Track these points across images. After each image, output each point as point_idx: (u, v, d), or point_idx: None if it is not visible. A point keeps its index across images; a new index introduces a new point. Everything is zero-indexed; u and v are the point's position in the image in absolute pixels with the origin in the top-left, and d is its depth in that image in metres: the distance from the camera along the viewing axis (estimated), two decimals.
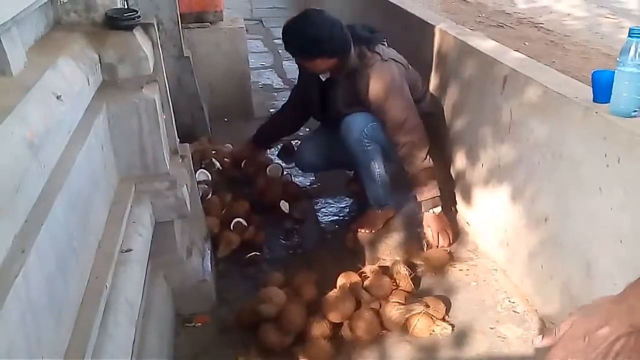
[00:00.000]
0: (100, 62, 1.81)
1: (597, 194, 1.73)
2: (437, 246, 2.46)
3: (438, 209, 2.46)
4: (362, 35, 2.53)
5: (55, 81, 1.45)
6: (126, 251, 1.67)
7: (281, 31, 2.50)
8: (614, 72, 1.68)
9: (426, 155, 2.45)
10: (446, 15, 3.56)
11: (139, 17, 1.89)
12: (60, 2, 1.84)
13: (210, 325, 2.06)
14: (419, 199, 2.48)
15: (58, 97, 1.41)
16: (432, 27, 3.01)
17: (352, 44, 2.47)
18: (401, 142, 2.45)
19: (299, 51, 2.49)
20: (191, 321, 2.08)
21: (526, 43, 3.38)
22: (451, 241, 2.49)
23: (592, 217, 1.77)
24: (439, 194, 2.46)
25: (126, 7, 2.03)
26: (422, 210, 2.48)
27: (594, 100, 1.80)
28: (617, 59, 1.65)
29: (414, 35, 3.22)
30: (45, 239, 1.16)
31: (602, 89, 1.76)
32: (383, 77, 2.44)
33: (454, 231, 2.54)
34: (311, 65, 2.49)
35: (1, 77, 1.34)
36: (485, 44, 2.58)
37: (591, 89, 1.82)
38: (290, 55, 2.57)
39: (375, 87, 2.43)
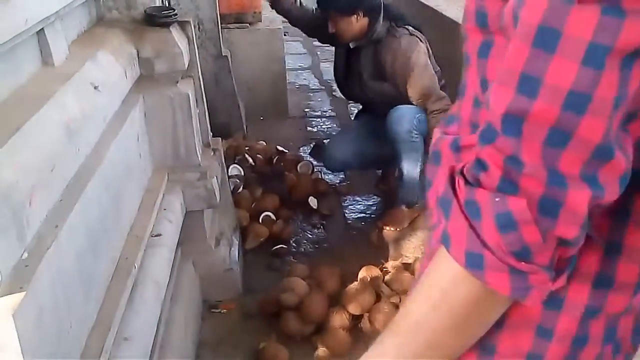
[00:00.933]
0: (138, 57, 1.91)
1: None
2: None
3: None
4: (393, 11, 2.60)
5: (94, 72, 1.54)
6: (156, 236, 1.76)
7: None
8: None
9: None
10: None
11: (176, 15, 1.99)
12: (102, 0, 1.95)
13: (235, 312, 2.14)
14: None
15: (95, 87, 1.51)
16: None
17: (382, 12, 2.53)
18: (430, 109, 2.48)
19: (337, 4, 2.52)
20: (217, 307, 2.17)
21: None
22: None
23: None
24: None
25: (165, 5, 2.13)
26: None
27: None
28: None
29: (447, 37, 3.24)
30: (78, 217, 1.25)
31: None
32: (410, 47, 2.50)
33: None
34: (344, 24, 2.52)
35: (45, 67, 1.44)
36: None
37: None
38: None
39: (402, 56, 2.48)
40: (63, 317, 1.13)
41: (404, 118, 2.50)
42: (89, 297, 1.29)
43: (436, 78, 2.53)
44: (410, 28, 2.58)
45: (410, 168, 2.58)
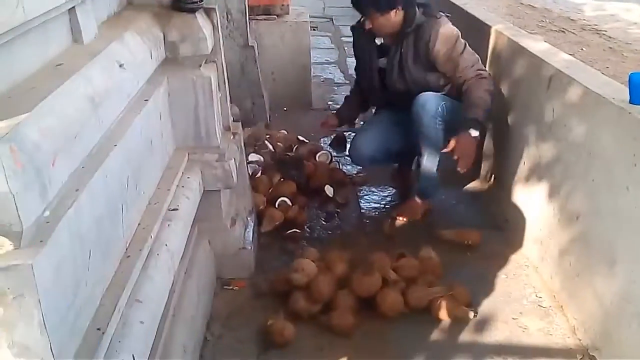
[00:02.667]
0: (164, 40, 1.99)
1: (624, 193, 1.76)
2: (455, 160, 2.46)
3: (475, 132, 2.46)
4: (426, 2, 2.63)
5: (120, 51, 1.63)
6: (173, 210, 1.84)
7: None
8: None
9: (490, 94, 2.51)
10: (509, 19, 3.58)
11: (202, 1, 2.06)
12: None
13: (247, 290, 2.22)
14: (465, 114, 2.49)
15: (121, 65, 1.60)
16: (489, 27, 3.05)
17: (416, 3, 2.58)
18: (470, 76, 2.52)
19: (377, 4, 2.53)
20: (230, 285, 2.25)
21: (584, 48, 3.37)
22: (467, 168, 2.50)
23: (618, 215, 1.80)
24: (483, 120, 2.50)
25: None
26: (462, 126, 2.48)
27: (630, 102, 1.82)
28: None
29: (473, 36, 3.27)
30: (98, 183, 1.34)
31: (638, 91, 1.79)
32: (452, 28, 2.56)
33: (476, 159, 2.55)
34: (384, 21, 2.55)
35: (74, 44, 1.53)
36: (537, 46, 2.61)
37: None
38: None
39: (446, 34, 2.53)
40: (80, 275, 1.22)
41: (431, 102, 2.52)
42: (106, 259, 1.37)
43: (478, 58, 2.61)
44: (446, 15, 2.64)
45: (428, 161, 2.60)
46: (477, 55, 2.60)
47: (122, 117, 1.59)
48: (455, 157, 2.44)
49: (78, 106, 1.29)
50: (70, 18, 1.50)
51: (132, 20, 1.88)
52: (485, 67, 2.99)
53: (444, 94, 2.61)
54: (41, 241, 1.05)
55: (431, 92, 2.57)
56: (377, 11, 2.54)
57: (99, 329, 1.25)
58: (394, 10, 2.53)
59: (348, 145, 2.98)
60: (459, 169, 2.48)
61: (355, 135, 2.94)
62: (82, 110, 1.30)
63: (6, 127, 1.02)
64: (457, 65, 2.53)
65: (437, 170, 2.61)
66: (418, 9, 2.58)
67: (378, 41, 2.72)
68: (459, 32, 2.58)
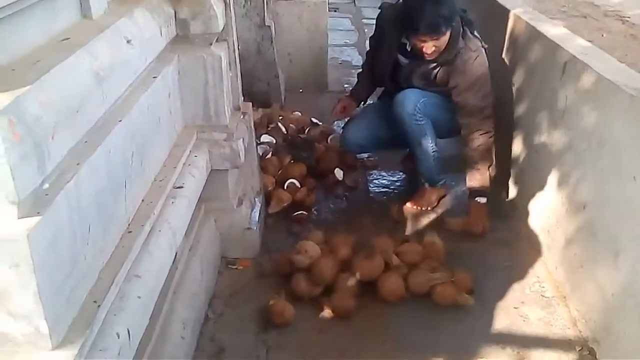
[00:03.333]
0: (175, 17, 1.99)
1: (631, 182, 1.74)
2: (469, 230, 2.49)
3: (483, 200, 2.49)
4: (464, 16, 2.53)
5: (128, 27, 1.63)
6: (178, 187, 1.86)
7: (408, 12, 2.38)
8: None
9: (491, 147, 2.52)
10: (530, 4, 3.52)
11: None
12: None
13: (251, 270, 2.24)
14: (468, 183, 2.53)
15: (128, 41, 1.60)
16: (508, 11, 3.00)
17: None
18: (475, 126, 2.50)
19: (441, 26, 2.36)
20: (234, 264, 2.27)
21: (604, 35, 3.29)
22: (482, 232, 2.50)
23: (624, 205, 1.78)
24: (488, 185, 2.50)
25: None
26: (468, 196, 2.54)
27: None
28: None
29: (491, 19, 3.22)
30: (100, 158, 1.35)
31: None
32: (484, 61, 2.50)
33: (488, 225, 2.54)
34: (440, 42, 2.42)
35: (83, 19, 1.54)
36: (554, 30, 2.57)
37: None
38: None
39: (476, 68, 2.47)
40: (78, 247, 1.24)
41: (408, 100, 2.51)
42: (106, 233, 1.39)
43: (492, 97, 2.55)
44: (479, 40, 2.53)
45: (419, 150, 2.62)
46: (491, 98, 2.53)
47: (128, 93, 1.60)
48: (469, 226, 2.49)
49: (82, 80, 1.30)
50: None
51: None
52: (502, 52, 2.96)
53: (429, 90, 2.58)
54: (38, 213, 1.07)
55: (409, 89, 2.55)
56: (447, 28, 2.39)
57: (95, 302, 1.27)
58: (448, 31, 2.41)
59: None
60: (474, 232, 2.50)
61: (346, 123, 2.95)
62: (85, 85, 1.31)
63: (6, 99, 1.03)
64: (472, 96, 2.49)
65: (434, 154, 2.62)
66: (462, 28, 2.48)
67: (408, 47, 2.58)
68: (487, 63, 2.51)
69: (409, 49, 2.57)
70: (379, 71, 2.77)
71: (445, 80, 2.54)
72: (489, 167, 2.52)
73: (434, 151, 2.61)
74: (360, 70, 3.04)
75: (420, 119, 2.52)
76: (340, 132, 2.98)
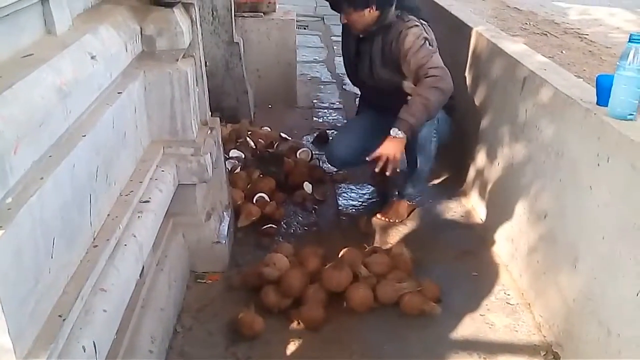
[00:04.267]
0: (141, 34, 2.00)
1: (587, 192, 1.80)
2: (377, 161, 2.42)
3: (399, 133, 2.40)
4: (409, 4, 2.64)
5: (93, 43, 1.64)
6: (144, 202, 1.86)
7: None
8: None
9: (436, 100, 2.42)
10: (493, 21, 3.62)
11: None
12: None
13: (220, 284, 2.24)
14: (399, 115, 2.44)
15: (93, 57, 1.61)
16: (470, 29, 3.09)
17: (394, 3, 2.58)
18: (420, 76, 2.46)
19: (341, 3, 2.59)
20: (203, 278, 2.27)
21: (563, 51, 3.41)
22: (390, 171, 2.42)
23: (581, 214, 1.84)
24: (414, 125, 2.41)
25: None
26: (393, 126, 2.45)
27: (597, 103, 1.86)
28: (617, 63, 1.72)
29: (455, 37, 3.31)
30: (65, 172, 1.35)
31: (604, 92, 1.82)
32: (418, 29, 2.54)
33: (399, 163, 2.47)
34: (357, 17, 2.57)
35: (47, 35, 1.54)
36: (514, 47, 2.65)
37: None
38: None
39: (407, 35, 2.51)
40: (42, 261, 1.23)
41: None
42: (71, 248, 1.39)
43: (437, 55, 2.53)
44: (421, 20, 2.63)
45: (424, 168, 2.69)
46: (435, 54, 2.50)
47: (93, 108, 1.60)
48: (382, 163, 2.41)
49: (45, 95, 1.30)
50: (43, 9, 1.52)
51: (109, 13, 1.89)
52: (466, 68, 3.04)
53: None
54: (0, 227, 1.07)
55: None
56: (350, 7, 2.58)
57: (60, 316, 1.26)
58: (368, 9, 2.55)
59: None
60: (387, 173, 2.42)
61: (333, 138, 2.98)
62: (49, 100, 1.32)
63: None
64: (409, 64, 2.51)
65: (428, 171, 2.71)
66: (400, 10, 2.61)
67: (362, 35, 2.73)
68: (426, 34, 2.55)
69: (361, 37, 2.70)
70: (349, 76, 2.92)
71: (395, 57, 2.57)
72: (422, 108, 2.41)
73: (430, 168, 2.70)
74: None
75: (435, 134, 2.64)
76: (326, 149, 2.94)
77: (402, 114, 2.42)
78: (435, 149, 2.67)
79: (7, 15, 1.29)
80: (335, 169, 3.19)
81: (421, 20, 2.63)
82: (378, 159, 2.41)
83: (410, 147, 2.59)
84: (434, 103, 2.41)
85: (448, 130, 2.75)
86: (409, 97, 2.48)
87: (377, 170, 2.45)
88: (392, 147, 2.41)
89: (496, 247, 2.51)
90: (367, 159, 2.46)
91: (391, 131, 2.41)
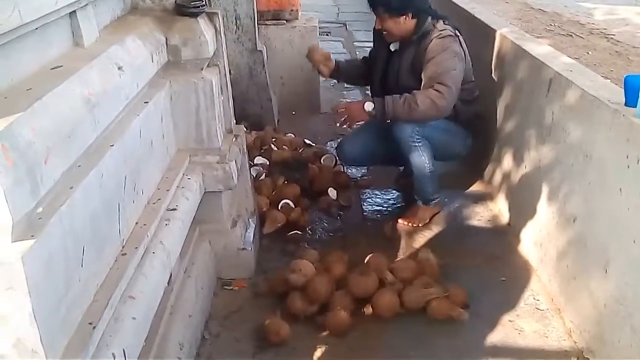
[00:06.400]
0: (166, 44, 2.03)
1: (617, 195, 1.76)
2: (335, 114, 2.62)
3: (370, 107, 2.52)
4: (444, 15, 2.65)
5: (120, 54, 1.67)
6: (172, 209, 1.88)
7: None
8: None
9: (424, 111, 2.45)
10: (517, 23, 3.58)
11: (204, 6, 2.11)
12: None
13: (246, 290, 2.26)
14: (385, 96, 2.52)
15: (120, 68, 1.64)
16: (494, 31, 3.06)
17: (430, 11, 2.59)
18: (424, 92, 2.48)
19: (388, 5, 2.54)
20: (230, 285, 2.28)
21: (589, 52, 3.36)
22: (346, 124, 2.61)
23: (612, 217, 1.81)
24: (388, 110, 2.48)
25: None
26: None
27: (626, 104, 1.83)
28: None
29: (479, 39, 3.28)
30: (94, 182, 1.38)
31: (632, 93, 1.79)
32: (449, 40, 2.53)
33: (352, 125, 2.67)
34: (392, 23, 2.57)
35: (75, 47, 1.58)
36: (539, 49, 2.62)
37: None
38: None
39: (438, 44, 2.51)
40: (72, 270, 1.26)
41: (406, 124, 2.55)
42: (100, 256, 1.41)
43: (458, 76, 2.53)
44: (456, 29, 2.62)
45: (417, 167, 2.64)
46: (452, 72, 2.49)
47: (120, 118, 1.63)
48: (338, 118, 2.57)
49: (73, 106, 1.33)
50: (71, 22, 1.55)
51: (135, 24, 1.93)
52: (490, 71, 3.01)
53: None
54: (32, 236, 1.09)
55: None
56: (387, 14, 2.57)
57: (90, 324, 1.28)
58: (404, 17, 2.54)
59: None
60: (337, 124, 2.64)
61: (345, 137, 3.03)
62: (77, 111, 1.34)
63: None
64: (426, 70, 2.50)
65: (431, 176, 2.65)
66: (432, 19, 2.58)
67: (392, 47, 2.71)
68: (459, 48, 2.56)
69: (393, 49, 2.71)
70: (371, 83, 2.89)
71: (423, 63, 2.56)
72: (406, 110, 2.46)
73: (430, 171, 2.63)
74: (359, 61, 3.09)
75: (418, 140, 2.57)
76: (336, 145, 3.04)
77: (387, 96, 2.51)
78: (429, 156, 2.60)
79: (36, 28, 1.33)
80: (360, 175, 3.20)
81: (456, 31, 2.60)
82: (339, 114, 2.62)
83: (395, 145, 2.62)
84: (421, 112, 2.46)
85: (456, 143, 2.73)
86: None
87: (337, 123, 2.66)
88: (355, 111, 2.58)
89: (524, 251, 2.48)
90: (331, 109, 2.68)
91: (366, 102, 2.56)
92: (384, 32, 2.65)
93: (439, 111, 2.47)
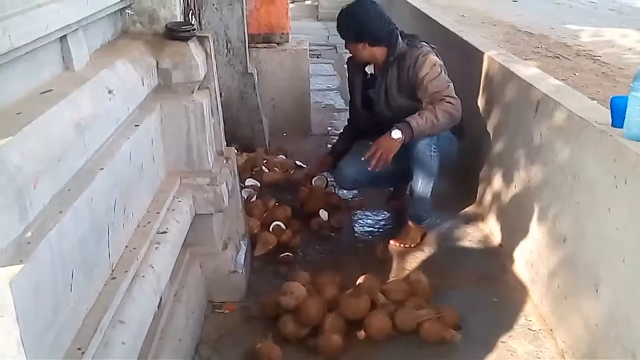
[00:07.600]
0: (157, 67, 2.04)
1: (606, 214, 1.78)
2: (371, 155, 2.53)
3: (398, 134, 2.50)
4: (408, 34, 2.75)
5: (110, 78, 1.68)
6: (162, 232, 1.87)
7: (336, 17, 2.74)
8: None
9: (446, 115, 2.52)
10: (505, 46, 3.64)
11: (194, 30, 2.13)
12: (128, 13, 2.10)
13: (237, 313, 2.24)
14: (405, 119, 2.53)
15: (110, 92, 1.64)
16: (482, 53, 3.10)
17: (399, 36, 2.67)
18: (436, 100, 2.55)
19: (344, 35, 2.71)
20: (221, 308, 2.27)
21: (576, 73, 3.41)
22: (379, 166, 2.53)
23: (601, 237, 1.82)
24: (415, 132, 2.50)
25: (186, 20, 2.27)
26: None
27: (612, 125, 1.85)
28: (630, 84, 1.71)
29: (466, 62, 3.32)
30: (83, 206, 1.37)
31: (619, 114, 1.81)
32: (432, 56, 2.63)
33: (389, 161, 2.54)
34: (354, 49, 2.69)
35: (65, 71, 1.58)
36: (526, 71, 2.66)
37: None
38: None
39: (425, 61, 2.60)
40: (62, 294, 1.24)
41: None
42: (90, 280, 1.40)
43: (452, 86, 2.61)
44: (431, 45, 2.71)
45: (423, 185, 2.64)
46: (451, 84, 2.60)
47: (111, 142, 1.63)
48: (374, 160, 2.52)
49: (63, 130, 1.33)
50: (62, 46, 1.56)
51: (125, 48, 1.94)
52: (479, 93, 3.05)
53: None
54: (21, 261, 1.08)
55: None
56: (348, 41, 2.71)
57: (79, 349, 1.27)
58: (362, 44, 2.65)
59: None
60: (369, 168, 2.54)
61: (342, 160, 2.98)
62: (67, 135, 1.34)
63: None
64: (425, 89, 2.58)
65: (430, 195, 2.65)
66: (402, 39, 2.67)
67: (368, 70, 2.78)
68: (441, 61, 2.64)
69: (369, 72, 2.80)
70: (354, 111, 2.93)
71: (411, 83, 2.64)
72: (427, 125, 2.50)
73: (433, 186, 2.64)
74: (346, 124, 3.17)
75: (434, 151, 2.59)
76: (335, 170, 2.98)
77: (408, 118, 2.52)
78: (437, 169, 2.62)
79: (27, 53, 1.33)
80: (351, 196, 3.20)
81: (431, 46, 2.69)
82: (372, 155, 2.53)
83: (406, 158, 2.61)
84: (441, 123, 2.53)
85: (454, 150, 2.76)
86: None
87: (369, 168, 2.54)
88: (386, 144, 2.52)
89: (515, 272, 2.48)
90: (362, 158, 2.57)
91: (392, 131, 2.51)
92: (354, 57, 2.79)
93: (453, 121, 2.58)
